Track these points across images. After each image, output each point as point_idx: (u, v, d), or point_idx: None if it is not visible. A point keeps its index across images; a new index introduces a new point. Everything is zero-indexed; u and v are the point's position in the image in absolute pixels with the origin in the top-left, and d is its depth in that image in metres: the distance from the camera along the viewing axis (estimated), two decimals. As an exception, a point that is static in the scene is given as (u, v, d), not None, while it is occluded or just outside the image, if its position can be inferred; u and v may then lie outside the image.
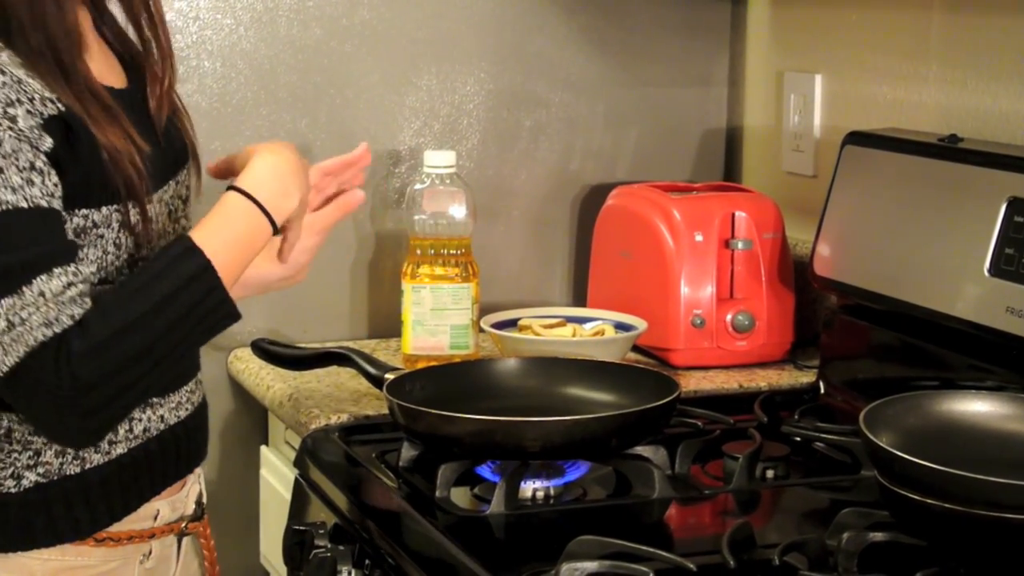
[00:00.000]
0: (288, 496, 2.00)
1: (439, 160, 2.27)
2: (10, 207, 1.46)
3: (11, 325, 1.46)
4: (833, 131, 2.33)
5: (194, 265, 1.54)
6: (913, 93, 2.21)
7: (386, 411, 1.85)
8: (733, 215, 2.26)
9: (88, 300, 1.50)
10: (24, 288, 1.46)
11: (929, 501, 1.44)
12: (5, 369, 1.47)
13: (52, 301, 1.47)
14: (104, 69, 1.64)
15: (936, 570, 1.47)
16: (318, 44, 2.38)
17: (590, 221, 2.46)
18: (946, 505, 1.43)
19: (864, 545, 1.51)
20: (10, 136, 1.47)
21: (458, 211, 2.26)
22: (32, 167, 1.48)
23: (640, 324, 2.22)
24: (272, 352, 2.07)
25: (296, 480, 1.97)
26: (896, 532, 1.52)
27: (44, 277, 1.47)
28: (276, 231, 1.64)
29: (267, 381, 2.17)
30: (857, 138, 2.10)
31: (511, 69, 2.48)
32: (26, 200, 1.47)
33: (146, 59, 1.70)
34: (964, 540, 1.45)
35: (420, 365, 2.14)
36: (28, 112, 1.49)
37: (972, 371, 1.84)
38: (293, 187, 1.66)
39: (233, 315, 1.58)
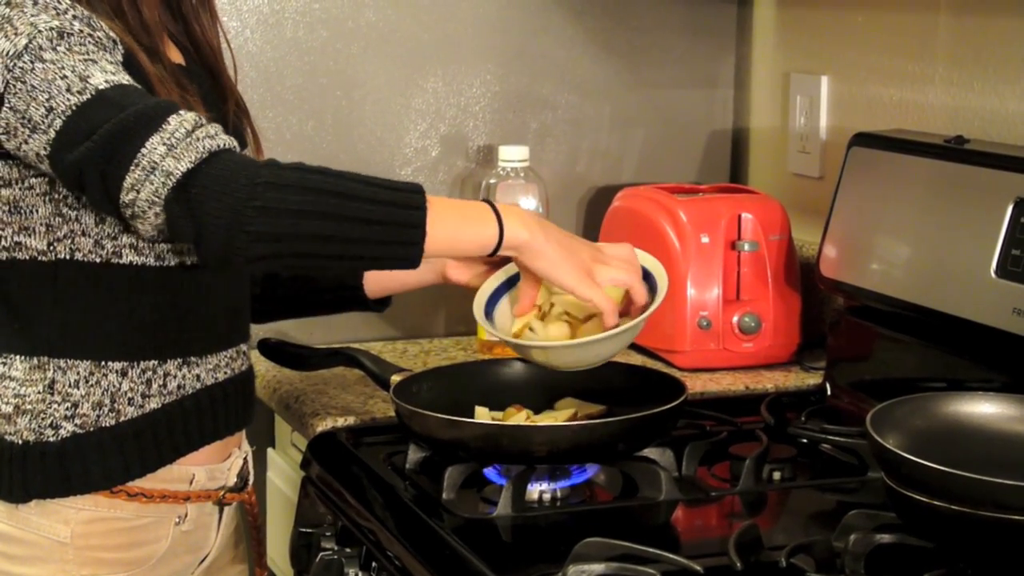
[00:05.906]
0: (294, 498, 2.00)
1: (513, 154, 2.32)
2: (115, 82, 1.54)
3: (170, 147, 1.49)
4: (839, 132, 2.33)
5: (411, 190, 1.55)
6: (919, 94, 2.20)
7: (393, 413, 1.86)
8: (739, 217, 2.26)
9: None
10: (163, 126, 1.50)
11: (936, 503, 1.44)
12: (180, 173, 1.48)
13: (200, 126, 1.51)
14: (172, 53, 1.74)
15: (943, 572, 1.47)
16: (324, 46, 2.38)
17: (596, 222, 2.46)
18: (953, 507, 1.43)
19: (871, 547, 1.51)
20: (97, 39, 1.57)
21: (531, 203, 2.32)
22: (118, 64, 1.58)
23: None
24: (279, 351, 2.07)
25: (303, 482, 1.97)
26: (903, 534, 1.52)
27: (175, 116, 1.51)
28: (496, 251, 1.61)
29: (273, 383, 2.17)
30: (863, 139, 2.10)
31: (517, 71, 2.49)
32: (127, 80, 1.55)
33: (211, 56, 1.79)
34: (971, 542, 1.45)
35: (496, 351, 2.22)
36: (103, 35, 1.60)
37: (979, 372, 1.84)
38: (546, 237, 1.62)
39: (416, 246, 1.54)
